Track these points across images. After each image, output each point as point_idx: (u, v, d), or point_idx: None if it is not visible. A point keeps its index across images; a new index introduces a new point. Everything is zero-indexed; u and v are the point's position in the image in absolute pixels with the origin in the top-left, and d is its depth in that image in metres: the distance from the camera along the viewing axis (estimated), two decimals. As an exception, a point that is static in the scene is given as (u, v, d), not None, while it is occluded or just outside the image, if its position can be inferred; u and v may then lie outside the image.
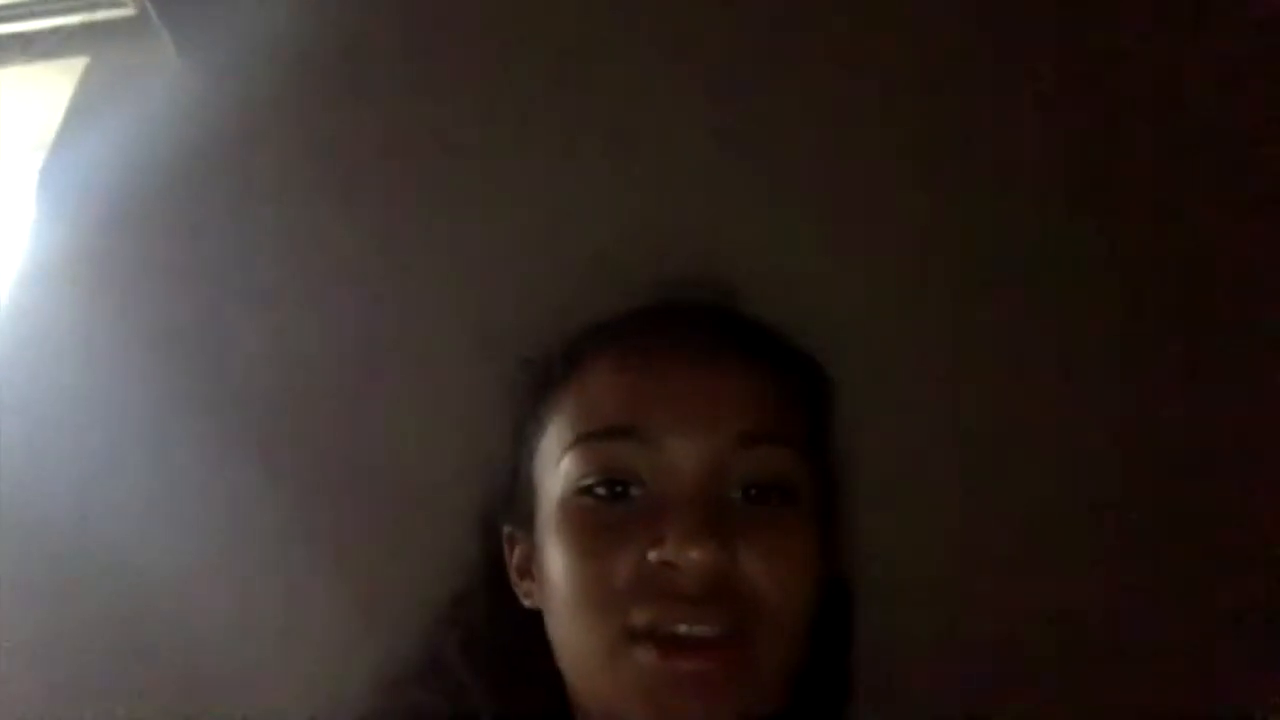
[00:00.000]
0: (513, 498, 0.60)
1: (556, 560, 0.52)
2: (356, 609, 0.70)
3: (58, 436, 0.84)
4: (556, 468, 0.54)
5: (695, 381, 0.53)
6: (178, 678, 0.73)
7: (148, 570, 0.77)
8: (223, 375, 0.81)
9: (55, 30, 1.01)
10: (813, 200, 0.75)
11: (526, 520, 0.57)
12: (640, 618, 0.48)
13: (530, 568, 0.57)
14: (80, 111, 0.96)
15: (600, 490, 0.51)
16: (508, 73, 0.83)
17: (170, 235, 0.88)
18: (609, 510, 0.51)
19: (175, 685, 0.72)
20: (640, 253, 0.69)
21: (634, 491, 0.51)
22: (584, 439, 0.53)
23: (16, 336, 0.89)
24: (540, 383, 0.60)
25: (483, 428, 0.68)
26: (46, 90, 1.02)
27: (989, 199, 0.75)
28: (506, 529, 0.60)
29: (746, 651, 0.48)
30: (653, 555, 0.48)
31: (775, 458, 0.52)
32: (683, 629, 0.47)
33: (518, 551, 0.59)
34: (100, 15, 0.97)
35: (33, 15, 1.02)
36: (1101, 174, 0.74)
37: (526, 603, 0.58)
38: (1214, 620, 0.65)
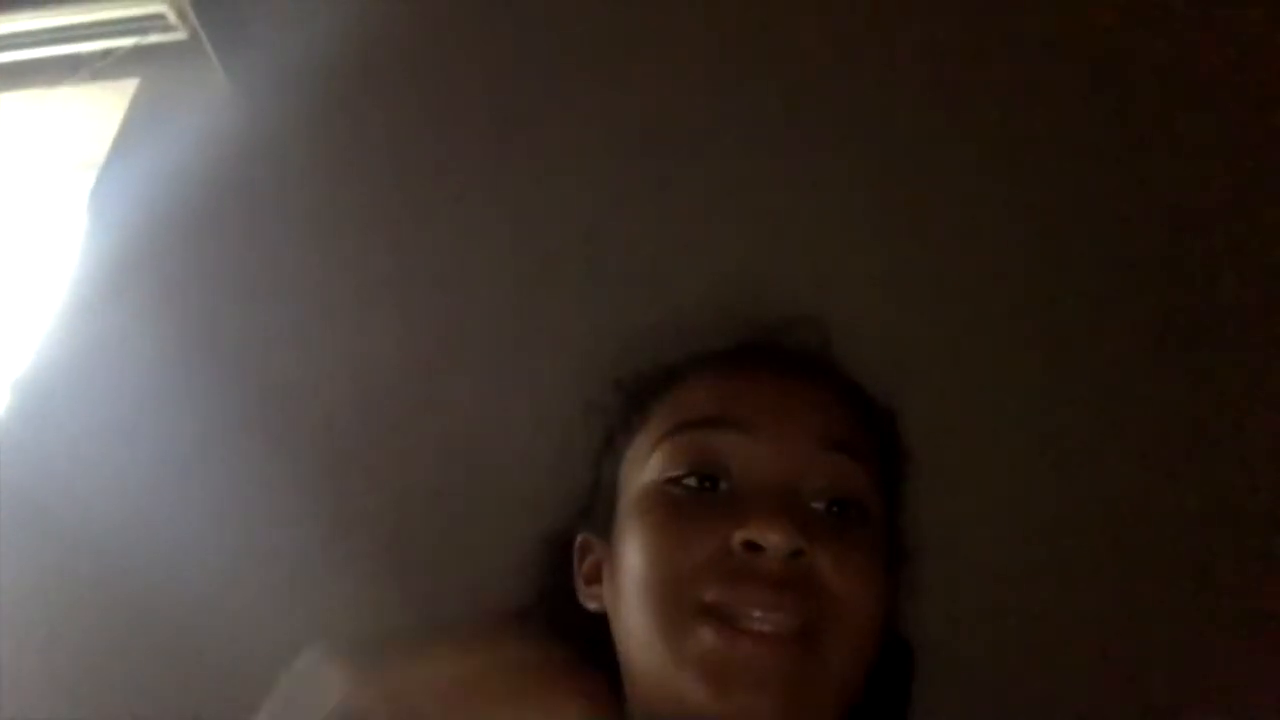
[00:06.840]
0: (590, 506, 0.62)
1: (635, 541, 0.54)
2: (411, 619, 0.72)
3: (105, 445, 0.87)
4: (646, 463, 0.56)
5: (784, 388, 0.58)
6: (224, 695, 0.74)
7: (194, 579, 0.78)
8: (267, 389, 0.83)
9: (106, 53, 1.05)
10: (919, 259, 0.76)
11: (603, 523, 0.59)
12: (713, 594, 0.49)
13: (599, 573, 0.59)
14: (131, 131, 1.00)
15: (690, 481, 0.54)
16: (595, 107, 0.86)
17: (217, 251, 0.91)
18: (695, 499, 0.53)
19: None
20: (736, 295, 0.71)
21: (721, 486, 0.53)
22: (679, 429, 0.56)
23: (67, 348, 0.92)
24: (636, 397, 0.63)
25: (541, 443, 0.71)
26: (97, 110, 1.05)
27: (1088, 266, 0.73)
28: (579, 537, 0.62)
29: (811, 653, 0.49)
30: (737, 536, 0.50)
31: (851, 470, 0.55)
32: (757, 614, 0.48)
33: (589, 559, 0.61)
34: (152, 39, 1.01)
35: (85, 38, 1.06)
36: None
37: (592, 606, 0.59)
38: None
